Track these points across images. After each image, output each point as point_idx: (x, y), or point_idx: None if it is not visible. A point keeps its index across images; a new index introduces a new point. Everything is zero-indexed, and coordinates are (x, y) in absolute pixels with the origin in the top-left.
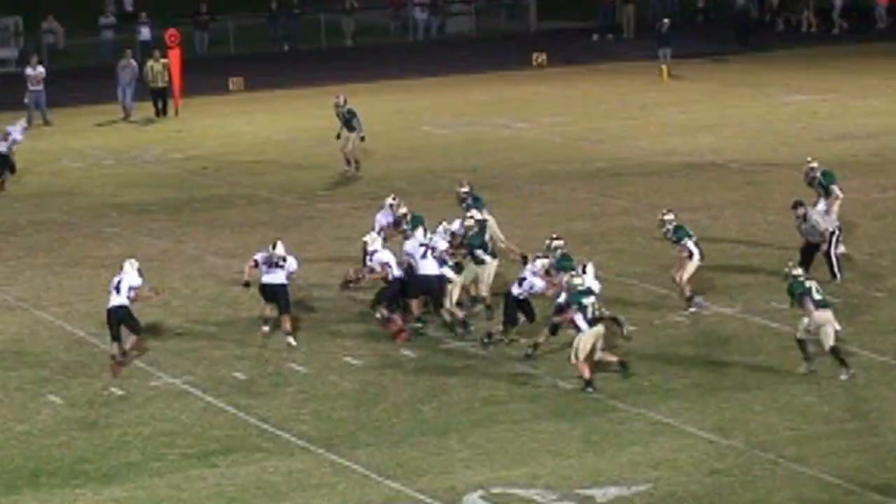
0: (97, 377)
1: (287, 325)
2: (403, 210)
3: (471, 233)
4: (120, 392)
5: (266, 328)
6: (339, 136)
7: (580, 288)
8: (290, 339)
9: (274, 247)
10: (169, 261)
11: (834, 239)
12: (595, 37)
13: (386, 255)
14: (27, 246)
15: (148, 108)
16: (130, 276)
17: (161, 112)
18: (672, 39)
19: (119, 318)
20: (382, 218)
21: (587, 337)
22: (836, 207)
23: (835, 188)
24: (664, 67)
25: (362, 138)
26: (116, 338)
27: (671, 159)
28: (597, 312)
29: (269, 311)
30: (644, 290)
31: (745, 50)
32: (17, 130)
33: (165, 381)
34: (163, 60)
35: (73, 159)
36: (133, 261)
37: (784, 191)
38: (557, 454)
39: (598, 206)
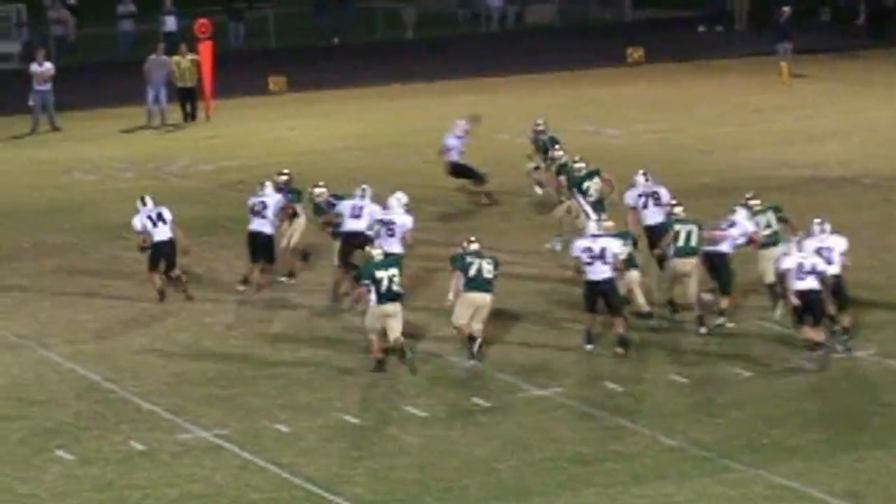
0: (114, 429)
1: (263, 279)
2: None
3: None
4: (141, 447)
5: (242, 287)
6: (529, 157)
7: (375, 259)
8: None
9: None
10: (198, 290)
11: None
12: (701, 28)
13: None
14: (30, 274)
15: (174, 112)
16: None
17: (189, 116)
18: (793, 31)
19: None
20: None
21: (370, 316)
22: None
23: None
24: (784, 64)
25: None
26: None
27: (791, 173)
28: (395, 288)
29: (257, 273)
30: (761, 327)
31: (880, 44)
32: (453, 136)
33: (195, 434)
34: (191, 56)
35: (86, 171)
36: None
37: None
38: None
39: None
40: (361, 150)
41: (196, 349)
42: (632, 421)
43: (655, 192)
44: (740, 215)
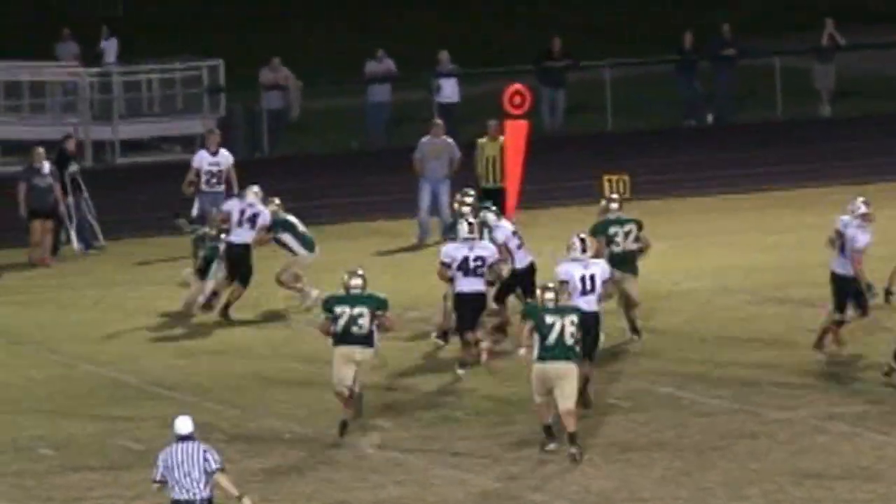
0: None
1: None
2: None
3: None
4: None
5: (461, 371)
6: None
7: (330, 294)
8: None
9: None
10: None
11: None
12: None
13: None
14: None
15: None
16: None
17: None
18: None
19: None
20: None
21: (336, 360)
22: None
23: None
24: None
25: None
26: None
27: None
28: (356, 329)
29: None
30: None
31: None
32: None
33: None
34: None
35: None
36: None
37: None
38: None
39: None
40: (746, 294)
41: None
42: None
43: None
44: None
